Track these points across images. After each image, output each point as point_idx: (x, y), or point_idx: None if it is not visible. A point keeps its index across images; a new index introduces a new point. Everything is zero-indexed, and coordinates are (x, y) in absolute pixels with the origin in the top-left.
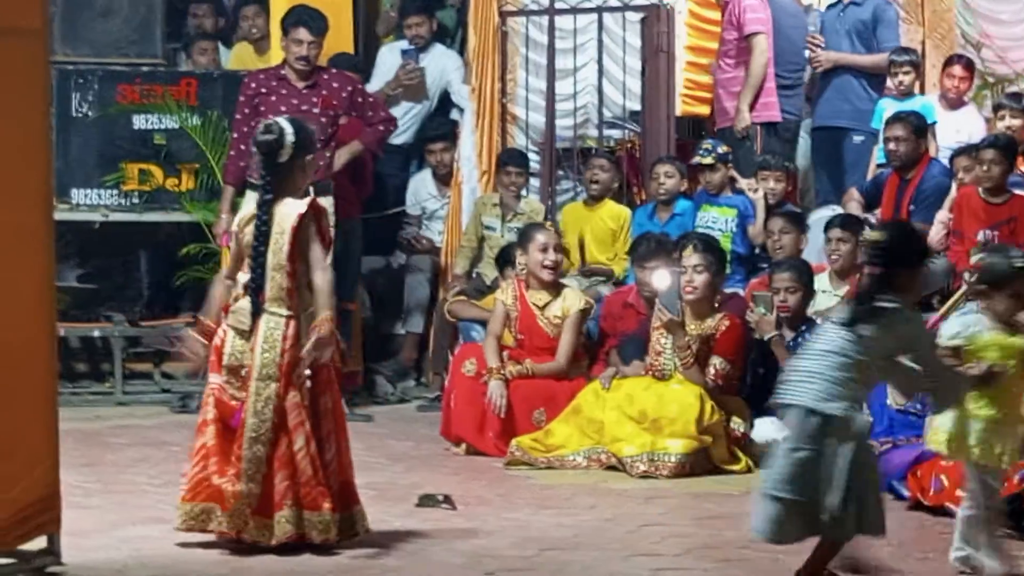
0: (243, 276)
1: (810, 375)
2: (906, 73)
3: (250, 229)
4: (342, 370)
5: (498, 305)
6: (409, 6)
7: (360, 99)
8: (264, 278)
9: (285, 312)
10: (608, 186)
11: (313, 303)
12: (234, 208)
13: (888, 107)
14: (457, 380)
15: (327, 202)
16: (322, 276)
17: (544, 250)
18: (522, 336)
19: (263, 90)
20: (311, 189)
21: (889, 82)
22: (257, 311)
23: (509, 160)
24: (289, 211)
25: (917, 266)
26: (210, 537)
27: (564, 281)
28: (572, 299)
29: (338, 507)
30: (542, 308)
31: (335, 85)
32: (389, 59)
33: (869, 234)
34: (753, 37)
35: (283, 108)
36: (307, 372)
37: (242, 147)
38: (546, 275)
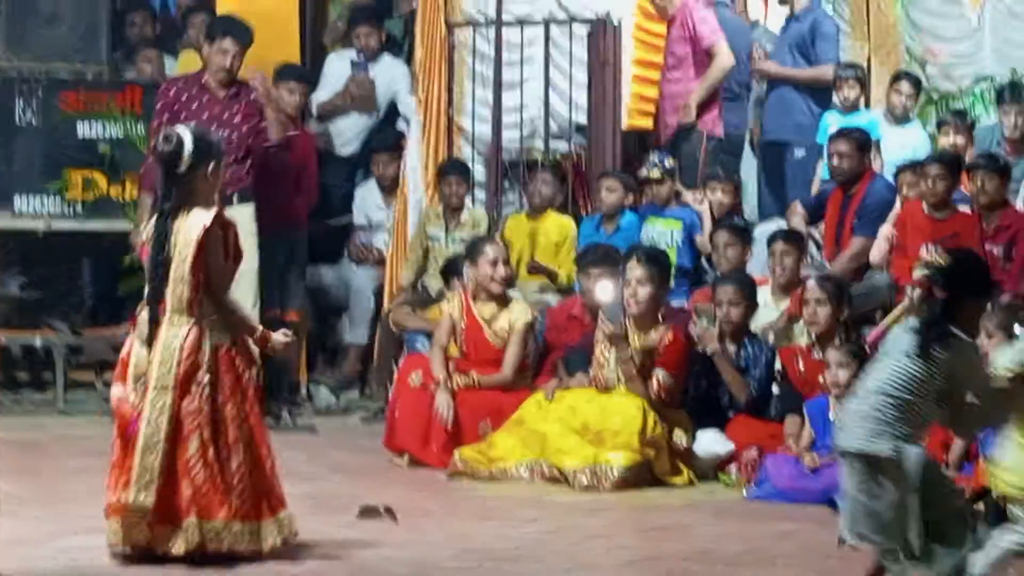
0: (147, 286)
1: (860, 417)
2: (851, 87)
3: (149, 236)
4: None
5: (444, 316)
6: (358, 16)
7: (262, 119)
8: (163, 288)
9: (185, 321)
10: (550, 199)
11: (216, 313)
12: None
13: (833, 121)
14: (402, 391)
15: (247, 210)
16: (227, 295)
17: (494, 264)
18: (467, 347)
19: (183, 97)
20: (227, 199)
21: (835, 96)
22: (156, 320)
23: (450, 170)
24: (194, 223)
25: (983, 297)
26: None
27: (511, 293)
28: (518, 312)
29: (249, 515)
30: (488, 320)
31: (252, 97)
32: (338, 69)
33: (934, 257)
34: (715, 45)
35: (205, 115)
36: (204, 379)
37: None
38: (495, 288)
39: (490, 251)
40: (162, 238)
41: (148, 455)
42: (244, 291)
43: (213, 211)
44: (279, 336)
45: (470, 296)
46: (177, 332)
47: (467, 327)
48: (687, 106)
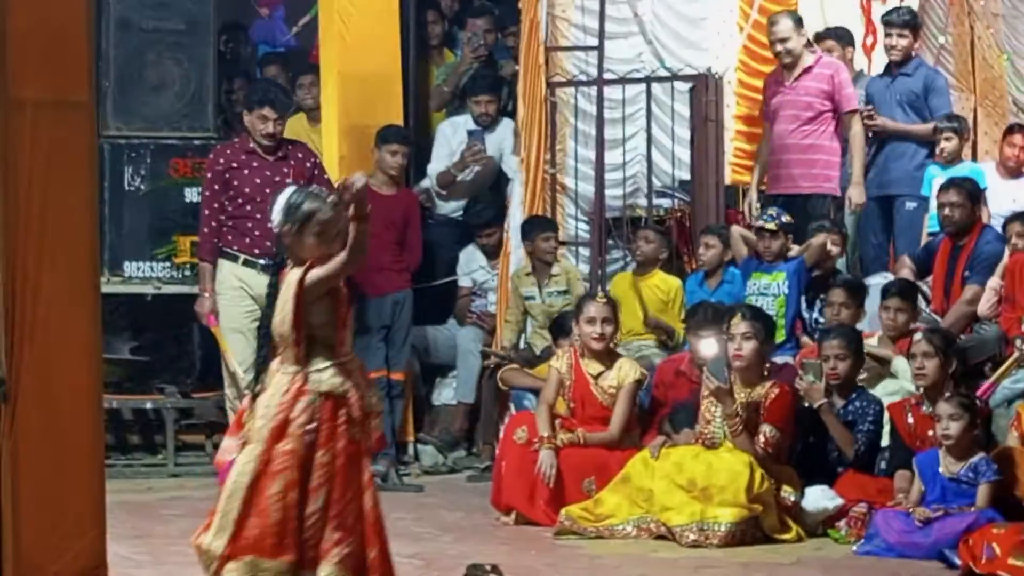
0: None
1: None
2: (947, 139)
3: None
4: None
5: (552, 372)
6: (479, 84)
7: (318, 172)
8: (269, 342)
9: (290, 371)
10: (654, 256)
11: (333, 361)
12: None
13: (936, 174)
14: (508, 448)
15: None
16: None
17: (591, 322)
18: (575, 404)
19: (233, 164)
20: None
21: (936, 149)
22: (260, 377)
23: (535, 227)
24: (290, 280)
25: None
26: None
27: (620, 350)
28: (627, 369)
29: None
30: (596, 377)
31: (300, 156)
32: (452, 137)
33: None
34: (853, 115)
35: (257, 180)
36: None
37: (213, 223)
38: (594, 345)
39: (590, 309)
40: (270, 298)
41: (230, 500)
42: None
43: (304, 266)
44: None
45: (578, 352)
46: (280, 383)
47: (575, 383)
48: (853, 196)
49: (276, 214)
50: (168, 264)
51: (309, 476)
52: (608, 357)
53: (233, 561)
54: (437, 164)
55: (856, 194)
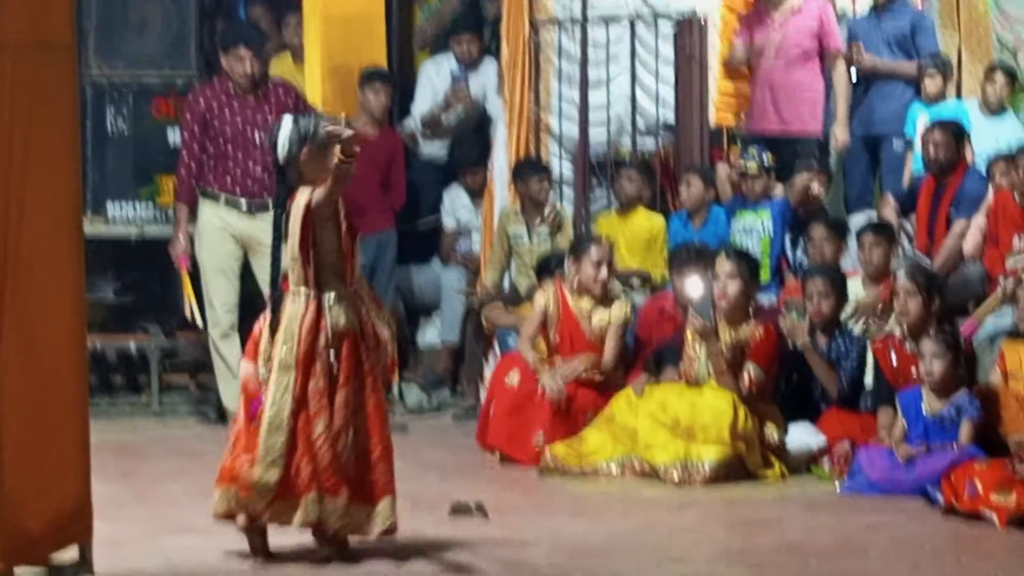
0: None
1: None
2: (931, 78)
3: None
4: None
5: (536, 308)
6: (460, 24)
7: (302, 106)
8: (279, 270)
9: (303, 297)
10: (636, 196)
11: (338, 287)
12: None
13: (920, 113)
14: (498, 390)
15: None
16: (353, 269)
17: (598, 265)
18: (561, 340)
19: (214, 105)
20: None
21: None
22: (278, 302)
23: (528, 169)
24: (298, 202)
25: None
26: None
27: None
28: (617, 308)
29: (362, 499)
30: (588, 315)
31: (281, 93)
32: (435, 78)
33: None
34: (839, 54)
35: (238, 120)
36: (331, 360)
37: (192, 165)
38: (596, 289)
39: (595, 252)
40: (278, 226)
41: (274, 434)
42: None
43: (310, 188)
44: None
45: (569, 290)
46: (297, 310)
47: (562, 320)
48: (837, 136)
49: (287, 142)
50: (151, 205)
51: (337, 411)
52: (600, 297)
53: (288, 499)
54: (421, 105)
55: (840, 133)
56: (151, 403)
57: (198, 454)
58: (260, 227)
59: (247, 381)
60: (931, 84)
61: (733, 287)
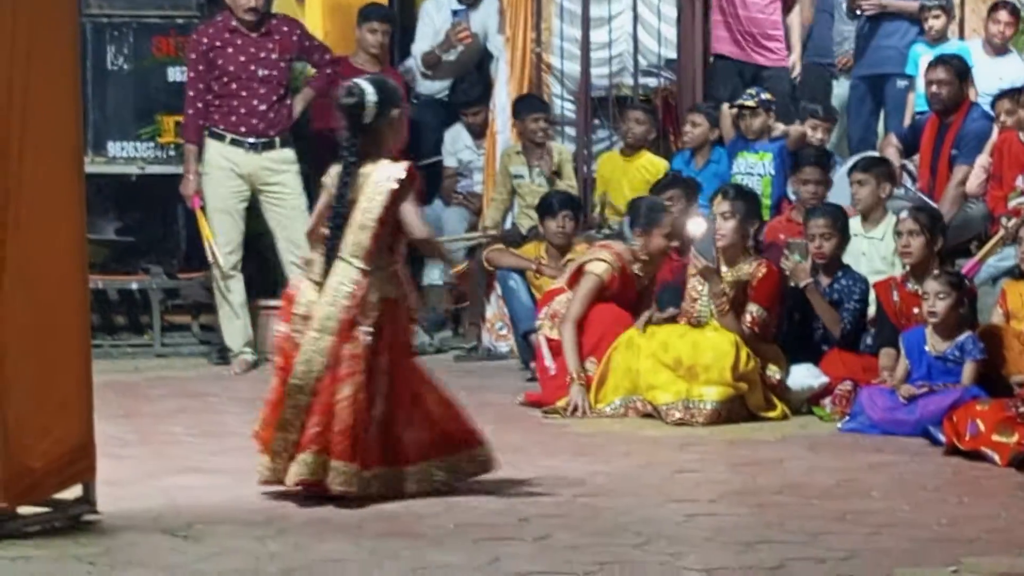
0: (322, 228)
1: None
2: (936, 17)
3: (330, 180)
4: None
5: (593, 281)
6: None
7: (308, 42)
8: (341, 235)
9: (359, 266)
10: (644, 138)
11: (391, 265)
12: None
13: (923, 52)
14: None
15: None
16: (425, 232)
17: (669, 237)
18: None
19: (217, 43)
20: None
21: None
22: (330, 264)
23: (527, 107)
24: (386, 174)
25: None
26: (251, 485)
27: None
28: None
29: (382, 462)
30: (640, 273)
31: (285, 29)
32: (436, 17)
33: None
34: None
35: (242, 58)
36: (367, 330)
37: (199, 104)
38: (663, 261)
39: (668, 223)
40: (346, 186)
41: (298, 394)
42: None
43: (404, 164)
44: None
45: (630, 258)
46: (347, 277)
47: (621, 289)
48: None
49: (376, 104)
50: (152, 144)
51: (373, 378)
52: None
53: (300, 453)
54: (421, 44)
55: (798, 63)
56: (153, 343)
57: (200, 394)
58: (266, 165)
59: (282, 342)
60: (935, 23)
61: (728, 226)
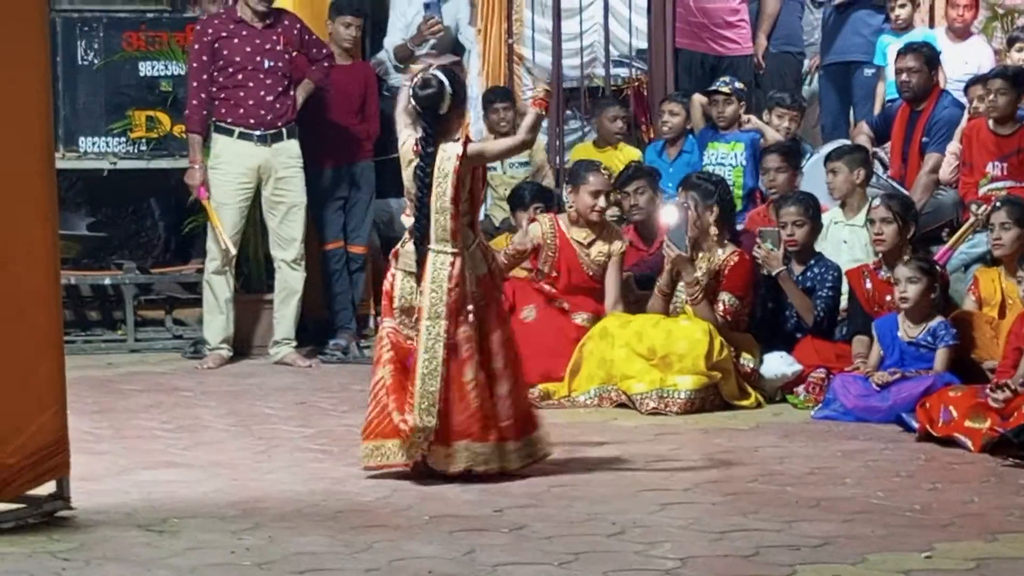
0: (407, 220)
1: None
2: (901, 6)
3: (408, 172)
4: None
5: (530, 236)
6: None
7: (306, 36)
8: (429, 222)
9: (451, 250)
10: (621, 133)
11: (475, 241)
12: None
13: (890, 42)
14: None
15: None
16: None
17: (596, 195)
18: (559, 273)
19: (223, 34)
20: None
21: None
22: (423, 253)
23: (495, 98)
24: (448, 154)
25: None
26: (224, 481)
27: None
28: (615, 237)
29: (518, 435)
30: (586, 246)
31: (287, 22)
32: (408, 11)
33: None
34: None
35: (248, 49)
36: (470, 308)
37: (202, 95)
38: (593, 217)
39: (594, 181)
40: (427, 177)
41: (429, 381)
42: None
43: (460, 140)
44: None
45: (566, 221)
46: (443, 261)
47: (560, 251)
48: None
49: (448, 94)
50: (124, 139)
51: (489, 356)
52: (597, 227)
53: (444, 446)
54: (393, 37)
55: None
56: (127, 338)
57: (174, 389)
58: (276, 157)
59: (393, 336)
60: (902, 12)
61: (705, 216)
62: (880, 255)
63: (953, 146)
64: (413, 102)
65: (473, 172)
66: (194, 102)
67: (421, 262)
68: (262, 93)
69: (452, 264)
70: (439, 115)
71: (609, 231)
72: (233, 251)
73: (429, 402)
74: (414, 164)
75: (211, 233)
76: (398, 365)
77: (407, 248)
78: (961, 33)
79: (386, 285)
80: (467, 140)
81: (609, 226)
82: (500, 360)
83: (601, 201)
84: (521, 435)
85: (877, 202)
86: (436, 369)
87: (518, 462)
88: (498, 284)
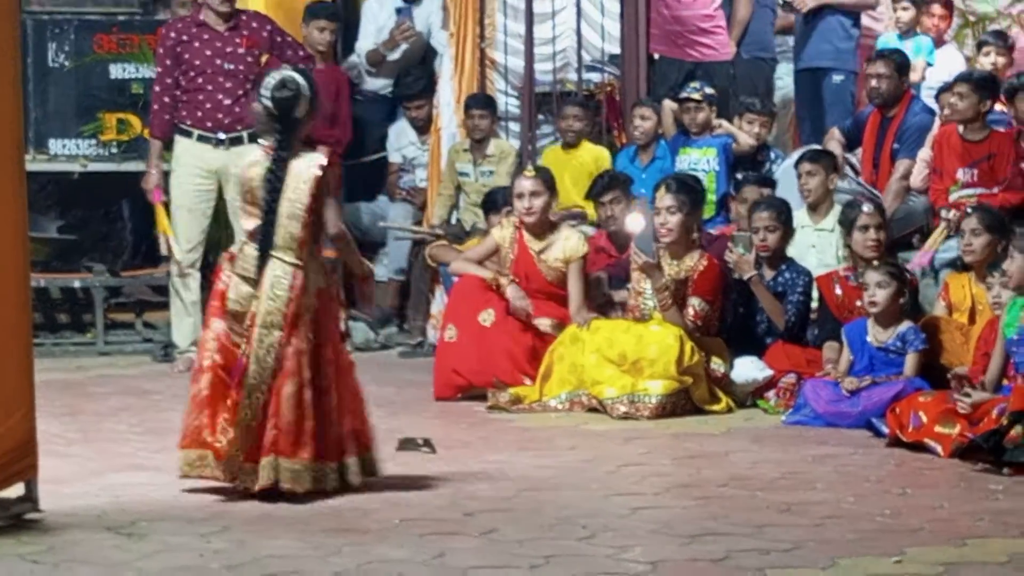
0: (249, 224)
1: None
2: (904, 9)
3: (256, 174)
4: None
5: (488, 240)
6: None
7: (279, 38)
8: (274, 227)
9: (293, 260)
10: (582, 133)
11: (319, 255)
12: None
13: (891, 44)
14: (468, 326)
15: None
16: (341, 227)
17: (520, 197)
18: (518, 279)
19: (184, 38)
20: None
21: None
22: (264, 259)
23: (472, 104)
24: (308, 163)
25: None
26: (195, 483)
27: (564, 223)
28: (574, 242)
29: (333, 457)
30: (540, 252)
31: (255, 25)
32: (380, 15)
33: None
34: None
35: (208, 52)
36: (306, 318)
37: (165, 99)
38: (527, 219)
39: (516, 185)
40: (278, 181)
41: (254, 393)
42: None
43: (322, 151)
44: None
45: (526, 229)
46: (285, 270)
47: (518, 258)
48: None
49: (305, 98)
50: (94, 142)
51: (317, 371)
52: (549, 230)
53: (251, 462)
54: (365, 42)
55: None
56: (96, 341)
57: (144, 392)
58: (235, 160)
59: (224, 340)
60: (904, 15)
61: (673, 221)
62: (849, 260)
63: (924, 153)
64: (268, 103)
65: (336, 184)
66: (156, 107)
67: (261, 268)
68: (220, 96)
69: (294, 275)
70: (294, 118)
71: (567, 235)
72: (179, 257)
73: (251, 415)
74: (265, 167)
75: (178, 237)
76: (219, 375)
77: (246, 252)
78: (935, 42)
79: (220, 286)
80: (333, 156)
81: (564, 229)
82: (327, 377)
83: (527, 202)
84: (343, 455)
85: (868, 207)
86: (263, 382)
87: (335, 482)
88: (335, 299)
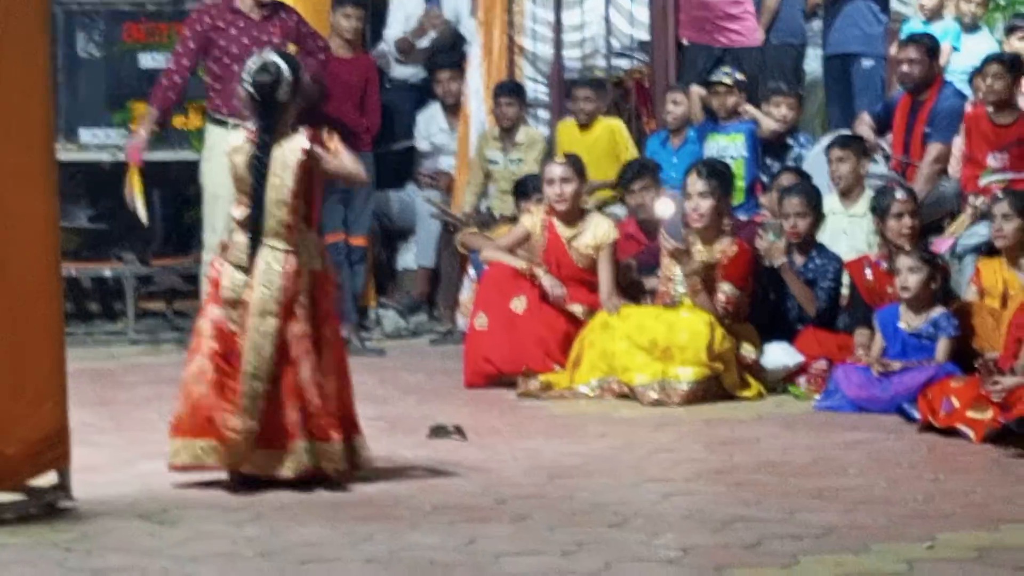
0: (238, 212)
1: None
2: None
3: (239, 161)
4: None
5: (519, 228)
6: None
7: (304, 29)
8: (262, 214)
9: (284, 246)
10: (594, 114)
11: (309, 236)
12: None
13: (917, 28)
14: (502, 315)
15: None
16: (359, 170)
17: (551, 183)
18: (549, 266)
19: (219, 24)
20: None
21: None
22: (255, 246)
23: (501, 91)
24: (292, 147)
25: None
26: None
27: (591, 209)
28: (604, 228)
29: (344, 437)
30: (570, 239)
31: (284, 15)
32: (408, 3)
33: None
34: None
35: (245, 40)
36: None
37: (176, 79)
38: (557, 206)
39: (546, 171)
40: (263, 166)
41: (253, 381)
42: None
43: (306, 134)
44: None
45: (556, 216)
46: (276, 257)
47: (549, 244)
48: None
49: (290, 82)
50: (124, 131)
51: (321, 353)
52: (579, 217)
53: (275, 449)
54: (394, 29)
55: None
56: (127, 330)
57: (175, 381)
58: None
59: (219, 325)
60: (927, 0)
61: (705, 206)
62: (882, 247)
63: (959, 140)
64: (250, 87)
65: (328, 151)
66: (164, 81)
67: (252, 256)
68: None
69: (285, 260)
70: (277, 103)
71: (597, 221)
72: (144, 218)
73: (253, 404)
74: (250, 153)
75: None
76: (221, 360)
77: (237, 239)
78: (969, 26)
79: (213, 273)
80: (315, 137)
81: (593, 215)
82: (327, 358)
83: (557, 188)
84: (345, 437)
85: (901, 194)
86: (262, 368)
87: (344, 463)
88: (331, 280)
